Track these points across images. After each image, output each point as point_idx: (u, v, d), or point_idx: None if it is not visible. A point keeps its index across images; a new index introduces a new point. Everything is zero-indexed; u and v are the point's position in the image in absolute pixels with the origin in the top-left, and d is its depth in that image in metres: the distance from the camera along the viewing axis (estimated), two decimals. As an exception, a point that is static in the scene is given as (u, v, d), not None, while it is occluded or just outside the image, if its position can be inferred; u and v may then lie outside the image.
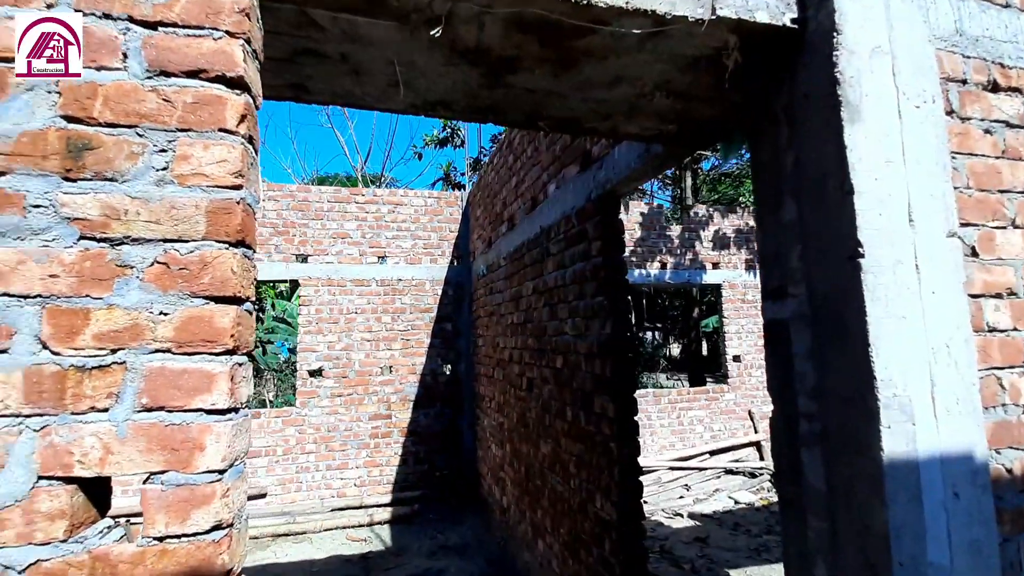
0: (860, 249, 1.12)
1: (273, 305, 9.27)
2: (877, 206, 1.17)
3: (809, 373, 1.20)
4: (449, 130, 10.91)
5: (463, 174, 11.43)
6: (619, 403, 2.48)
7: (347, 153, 29.50)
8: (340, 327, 6.02)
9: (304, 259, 6.04)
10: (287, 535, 5.06)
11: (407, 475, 6.01)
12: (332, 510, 5.62)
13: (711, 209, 7.64)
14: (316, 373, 5.93)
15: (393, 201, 6.38)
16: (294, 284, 6.10)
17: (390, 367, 6.12)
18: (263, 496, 5.63)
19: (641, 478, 2.50)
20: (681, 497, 6.12)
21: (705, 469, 6.53)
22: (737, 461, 6.81)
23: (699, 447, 6.85)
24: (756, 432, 7.10)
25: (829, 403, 1.16)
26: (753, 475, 6.55)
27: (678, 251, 7.31)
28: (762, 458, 6.93)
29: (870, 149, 1.20)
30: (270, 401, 9.79)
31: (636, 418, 2.51)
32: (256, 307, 8.46)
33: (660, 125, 1.80)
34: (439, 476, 6.10)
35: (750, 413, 7.18)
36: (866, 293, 1.10)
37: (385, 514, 5.39)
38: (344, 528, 5.22)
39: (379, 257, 6.26)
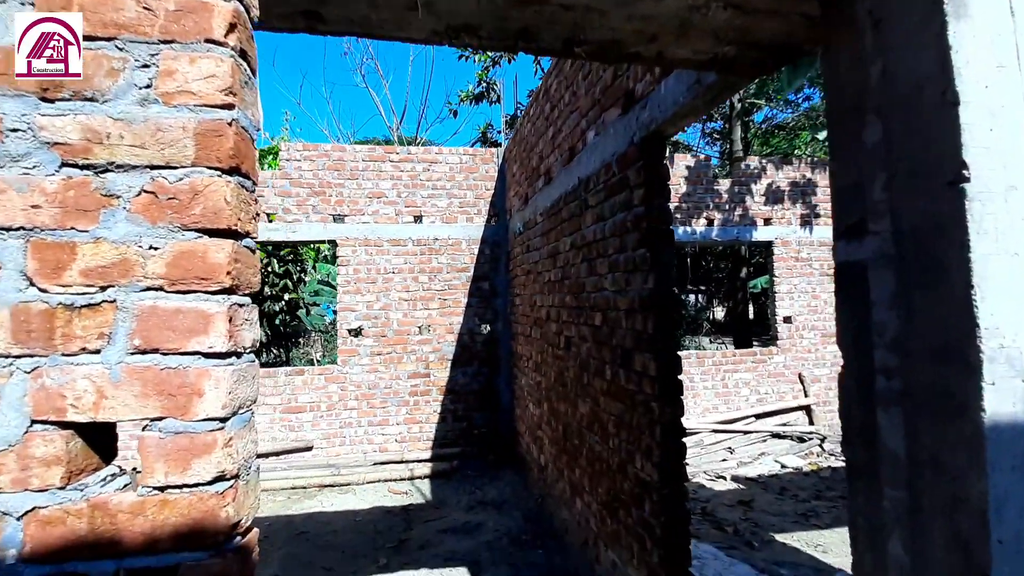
0: (965, 172, 0.92)
1: (315, 267, 9.48)
2: (987, 119, 0.96)
3: (890, 322, 1.03)
4: (484, 84, 10.59)
5: (499, 132, 11.15)
6: (661, 361, 2.34)
7: (383, 114, 29.32)
8: (378, 287, 6.05)
9: (341, 219, 6.05)
10: (332, 486, 5.26)
11: (446, 432, 6.11)
12: (374, 464, 5.79)
13: (764, 161, 7.15)
14: (356, 332, 6.02)
15: (428, 159, 6.26)
16: (333, 246, 6.15)
17: (428, 326, 6.14)
18: (310, 449, 5.86)
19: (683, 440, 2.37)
20: (724, 460, 5.99)
21: (750, 432, 6.35)
22: (785, 425, 6.58)
23: (744, 410, 6.65)
24: (806, 396, 6.82)
25: (915, 357, 0.99)
26: (802, 439, 6.32)
27: (727, 206, 6.92)
28: (811, 423, 6.67)
29: (979, 51, 0.99)
30: (317, 360, 10.15)
31: (680, 377, 2.37)
32: (299, 269, 8.66)
33: (715, 47, 1.58)
34: (477, 434, 6.17)
35: (800, 376, 6.88)
36: (971, 225, 0.91)
37: (425, 469, 5.51)
38: (386, 481, 5.37)
39: (415, 216, 6.20)
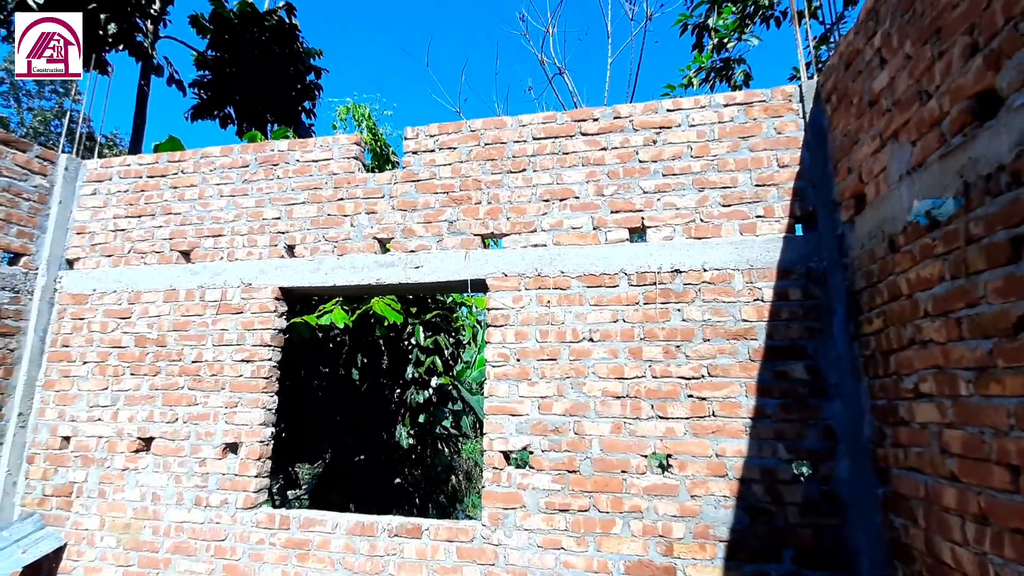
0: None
1: (475, 340, 6.81)
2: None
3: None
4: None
5: (803, 72, 7.67)
6: None
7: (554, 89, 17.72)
8: (562, 368, 3.06)
9: (495, 240, 3.37)
10: None
11: None
12: None
13: None
14: (518, 459, 3.03)
15: (653, 123, 3.30)
16: (481, 290, 3.42)
17: (666, 458, 2.85)
18: None
19: None
20: None
21: None
22: None
23: None
24: None
25: None
26: None
27: None
28: None
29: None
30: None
31: None
32: (452, 342, 6.17)
33: None
34: None
35: None
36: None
37: None
38: None
39: (632, 229, 3.19)
